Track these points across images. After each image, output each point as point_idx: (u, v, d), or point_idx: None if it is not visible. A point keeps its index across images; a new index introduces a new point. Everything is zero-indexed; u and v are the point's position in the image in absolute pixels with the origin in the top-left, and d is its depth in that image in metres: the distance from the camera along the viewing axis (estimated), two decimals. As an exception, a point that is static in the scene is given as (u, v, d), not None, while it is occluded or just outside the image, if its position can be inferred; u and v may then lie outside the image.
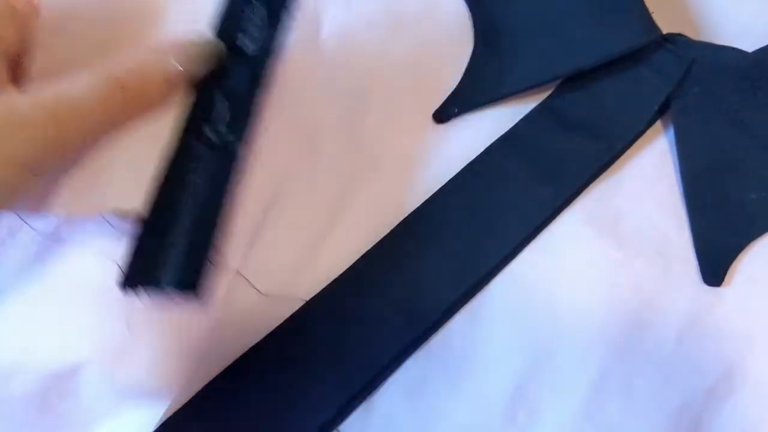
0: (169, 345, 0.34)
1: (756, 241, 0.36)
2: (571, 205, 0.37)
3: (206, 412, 0.33)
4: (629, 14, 0.37)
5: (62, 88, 0.27)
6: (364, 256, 0.35)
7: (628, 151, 0.38)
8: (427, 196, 0.37)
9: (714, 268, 0.35)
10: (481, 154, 0.37)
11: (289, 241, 0.36)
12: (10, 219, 0.35)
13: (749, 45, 0.38)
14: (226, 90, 0.32)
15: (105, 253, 0.34)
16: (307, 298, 0.34)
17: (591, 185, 0.37)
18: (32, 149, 0.26)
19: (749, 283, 0.35)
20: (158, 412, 0.33)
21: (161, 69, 0.30)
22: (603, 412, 0.32)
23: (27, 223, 0.35)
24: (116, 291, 0.29)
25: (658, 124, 0.39)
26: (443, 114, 0.39)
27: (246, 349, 0.34)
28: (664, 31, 0.38)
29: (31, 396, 0.34)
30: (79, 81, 0.27)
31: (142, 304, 0.34)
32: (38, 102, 0.26)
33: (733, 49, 0.37)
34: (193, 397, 0.33)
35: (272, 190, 0.36)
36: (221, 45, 0.32)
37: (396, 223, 0.36)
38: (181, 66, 0.30)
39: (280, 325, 0.34)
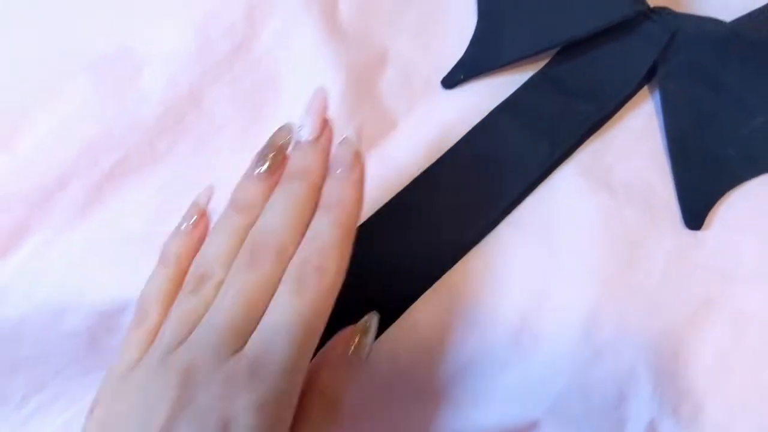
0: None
1: (732, 190, 0.39)
2: (567, 160, 0.41)
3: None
4: (619, -12, 0.41)
5: None
6: (374, 215, 0.39)
7: (619, 112, 0.42)
8: (438, 155, 0.40)
9: (694, 213, 0.39)
10: (486, 116, 0.41)
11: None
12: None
13: (729, 18, 0.41)
14: None
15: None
16: None
17: (585, 143, 0.41)
18: None
19: (725, 227, 0.39)
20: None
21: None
22: (597, 335, 0.36)
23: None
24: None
25: (646, 88, 0.43)
26: (450, 80, 0.43)
27: None
28: (652, 5, 0.42)
29: (80, 332, 0.38)
30: None
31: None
32: None
33: (713, 20, 0.41)
34: None
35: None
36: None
37: (411, 179, 0.40)
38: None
39: None
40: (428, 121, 0.42)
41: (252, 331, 0.28)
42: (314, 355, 0.30)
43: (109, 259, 0.38)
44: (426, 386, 0.37)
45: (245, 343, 0.28)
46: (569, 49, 0.42)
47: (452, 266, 0.38)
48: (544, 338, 0.36)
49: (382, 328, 0.36)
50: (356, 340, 0.32)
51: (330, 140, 0.33)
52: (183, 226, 0.34)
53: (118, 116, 0.40)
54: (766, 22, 0.40)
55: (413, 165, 0.41)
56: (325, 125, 0.33)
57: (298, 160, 0.32)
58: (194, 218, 0.34)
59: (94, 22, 0.43)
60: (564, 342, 0.36)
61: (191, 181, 0.39)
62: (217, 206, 0.34)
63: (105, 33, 0.42)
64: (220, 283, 0.30)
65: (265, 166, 0.32)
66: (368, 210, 0.39)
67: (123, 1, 0.43)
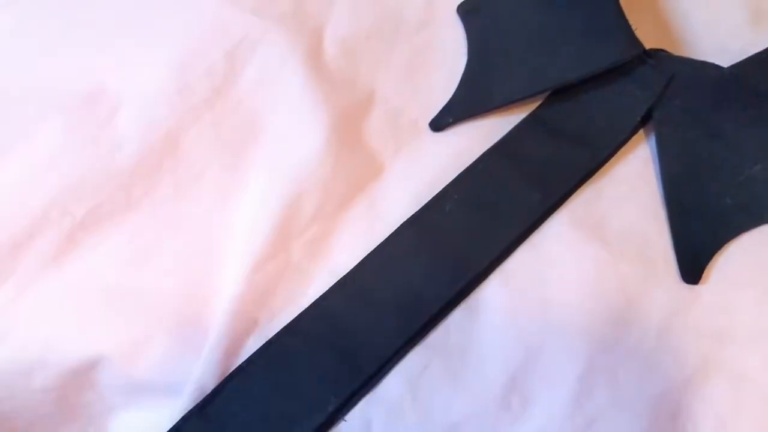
0: (184, 341, 0.36)
1: (731, 242, 0.38)
2: (560, 209, 0.39)
3: (219, 406, 0.35)
4: (614, 31, 0.39)
5: None
6: (362, 261, 0.37)
7: (613, 159, 0.40)
8: (424, 201, 0.39)
9: (692, 267, 0.37)
10: (475, 161, 0.40)
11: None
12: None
13: (726, 61, 0.40)
14: None
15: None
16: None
17: (578, 190, 0.40)
18: None
19: (724, 281, 0.37)
20: (173, 407, 0.35)
21: None
22: (590, 400, 0.34)
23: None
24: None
25: (641, 133, 0.41)
26: (439, 123, 0.41)
27: (253, 350, 0.36)
28: (647, 47, 0.40)
29: (51, 389, 0.36)
30: None
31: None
32: None
33: (711, 64, 0.40)
34: (206, 395, 0.35)
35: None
36: None
37: (396, 227, 0.38)
38: None
39: (286, 325, 0.36)
40: (416, 164, 0.41)
41: None
42: None
43: (80, 314, 0.36)
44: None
45: None
46: (562, 92, 0.41)
47: (439, 320, 0.36)
48: (535, 401, 0.35)
49: (363, 386, 0.35)
50: None
51: None
52: None
53: (92, 162, 0.38)
54: (763, 68, 0.38)
55: (400, 210, 0.39)
56: None
57: None
58: None
59: (69, 58, 0.41)
60: (555, 407, 0.34)
61: (168, 229, 0.38)
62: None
63: (80, 71, 0.40)
64: None
65: None
66: (354, 255, 0.38)
67: (99, 38, 0.41)
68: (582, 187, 0.40)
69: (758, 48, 0.40)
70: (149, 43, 0.41)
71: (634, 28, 0.40)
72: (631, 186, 0.40)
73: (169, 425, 0.34)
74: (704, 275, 0.37)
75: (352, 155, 0.40)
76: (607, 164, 0.40)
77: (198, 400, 0.35)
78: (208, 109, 0.40)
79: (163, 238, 0.38)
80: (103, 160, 0.38)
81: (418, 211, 0.39)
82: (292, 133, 0.40)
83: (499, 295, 0.37)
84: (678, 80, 0.40)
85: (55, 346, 0.36)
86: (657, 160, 0.40)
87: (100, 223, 0.38)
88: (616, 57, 0.39)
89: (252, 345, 0.36)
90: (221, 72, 0.40)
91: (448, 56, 0.43)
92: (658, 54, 0.41)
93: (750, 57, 0.39)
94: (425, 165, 0.40)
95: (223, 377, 0.35)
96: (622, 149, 0.41)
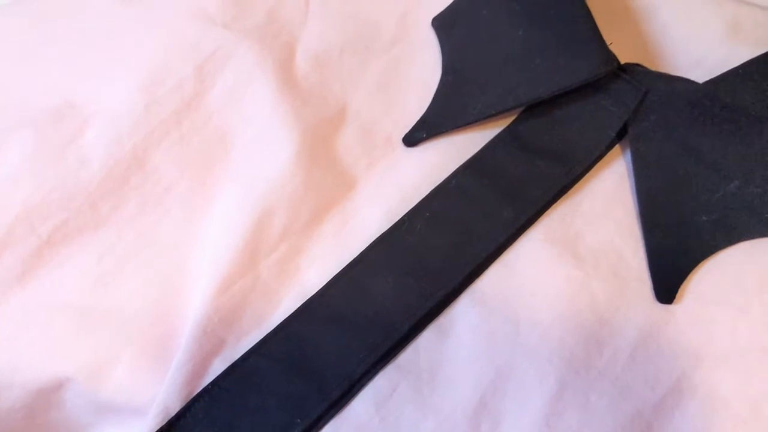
0: (150, 362, 0.35)
1: (706, 260, 0.37)
2: (534, 225, 0.39)
3: (184, 429, 0.34)
4: (588, 46, 0.39)
5: None
6: (332, 279, 0.37)
7: (588, 174, 0.40)
8: (396, 218, 0.38)
9: (666, 286, 0.37)
10: (447, 178, 0.39)
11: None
12: None
13: (702, 75, 0.40)
14: None
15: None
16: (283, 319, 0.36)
17: (552, 207, 0.39)
18: None
19: (699, 300, 0.37)
20: (140, 428, 0.34)
21: None
22: (561, 422, 0.34)
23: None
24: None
25: (617, 148, 0.41)
26: (412, 138, 0.41)
27: (219, 371, 0.35)
28: (623, 61, 0.40)
29: (17, 409, 0.35)
30: None
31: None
32: None
33: (685, 80, 0.39)
34: (171, 418, 0.34)
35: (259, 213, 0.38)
36: None
37: (367, 243, 0.38)
38: None
39: (253, 347, 0.36)
40: (388, 180, 0.40)
41: None
42: None
43: (46, 333, 0.36)
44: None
45: None
46: (536, 107, 0.40)
47: (408, 340, 0.36)
48: (504, 424, 0.34)
49: (330, 409, 0.34)
50: None
51: None
52: None
53: (58, 178, 0.37)
54: (739, 84, 0.38)
55: (372, 226, 0.38)
56: None
57: None
58: None
59: (36, 75, 0.40)
60: (525, 429, 0.34)
61: (135, 247, 0.37)
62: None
63: (47, 87, 0.40)
64: None
65: None
66: (324, 275, 0.37)
67: (67, 53, 0.41)
68: (556, 204, 0.39)
69: (735, 62, 0.39)
70: (118, 57, 0.40)
71: (609, 42, 0.39)
72: (606, 202, 0.39)
73: (136, 446, 0.34)
74: (679, 294, 0.37)
75: (323, 171, 0.39)
76: (583, 180, 0.40)
77: (163, 423, 0.34)
78: (176, 124, 0.39)
79: (130, 257, 0.37)
80: (70, 176, 0.38)
81: (389, 229, 0.38)
82: (261, 148, 0.39)
83: (470, 314, 0.36)
84: (653, 96, 0.39)
85: (21, 366, 0.35)
86: (633, 175, 0.39)
87: (66, 241, 0.37)
88: (590, 72, 0.38)
89: (218, 366, 0.35)
90: (191, 87, 0.40)
91: (422, 71, 0.43)
92: (633, 69, 0.40)
93: (725, 73, 0.38)
94: (398, 181, 0.40)
95: (188, 399, 0.35)
96: (598, 165, 0.40)
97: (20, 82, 0.40)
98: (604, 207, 0.39)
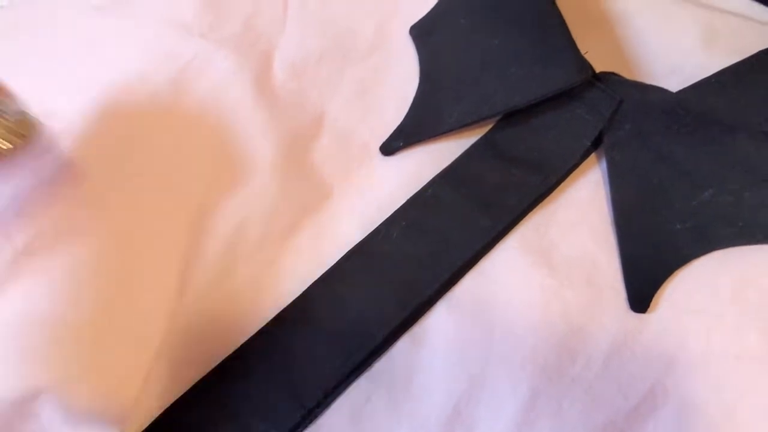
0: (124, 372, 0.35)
1: (680, 269, 0.38)
2: (509, 234, 0.39)
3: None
4: (563, 55, 0.39)
5: None
6: (308, 289, 0.37)
7: (564, 183, 0.40)
8: (372, 227, 0.38)
9: (640, 295, 0.37)
10: (423, 186, 0.39)
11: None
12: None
13: (679, 83, 0.40)
14: None
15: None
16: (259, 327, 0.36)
17: (528, 215, 0.39)
18: None
19: (672, 309, 0.37)
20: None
21: None
22: (533, 429, 0.34)
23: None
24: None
25: (593, 157, 0.41)
26: (389, 147, 0.41)
27: (196, 380, 0.35)
28: (598, 70, 0.40)
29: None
30: None
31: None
32: None
33: (659, 88, 0.39)
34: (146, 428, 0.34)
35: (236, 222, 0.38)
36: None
37: (343, 252, 0.38)
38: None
39: (228, 356, 0.35)
40: (365, 189, 0.40)
41: None
42: None
43: (18, 345, 0.35)
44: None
45: None
46: (513, 116, 0.41)
47: (384, 348, 0.36)
48: (478, 431, 0.34)
49: (304, 419, 0.34)
50: None
51: None
52: None
53: (34, 187, 0.37)
54: (712, 92, 0.38)
55: (348, 235, 0.39)
56: None
57: None
58: None
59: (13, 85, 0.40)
60: (499, 438, 0.34)
61: (110, 258, 0.37)
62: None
63: (24, 98, 0.40)
64: None
65: None
66: (300, 283, 0.37)
67: (43, 64, 0.41)
68: (532, 212, 0.39)
69: (712, 70, 0.39)
70: (95, 66, 0.40)
71: (584, 51, 0.39)
72: (581, 211, 0.39)
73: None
74: (653, 302, 0.37)
75: (299, 180, 0.39)
76: (559, 188, 0.40)
77: (139, 432, 0.34)
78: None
79: (105, 268, 0.37)
80: (46, 185, 0.37)
81: (365, 238, 0.38)
82: (237, 157, 0.39)
83: (445, 323, 0.36)
84: (628, 104, 0.39)
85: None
86: (608, 184, 0.39)
87: (40, 253, 0.37)
88: (565, 81, 0.38)
89: (194, 374, 0.35)
90: (166, 96, 0.40)
91: (400, 79, 0.43)
92: (608, 78, 0.40)
93: (699, 81, 0.39)
94: (375, 190, 0.40)
95: (164, 408, 0.35)
96: (574, 173, 0.40)
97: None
98: (579, 215, 0.39)
